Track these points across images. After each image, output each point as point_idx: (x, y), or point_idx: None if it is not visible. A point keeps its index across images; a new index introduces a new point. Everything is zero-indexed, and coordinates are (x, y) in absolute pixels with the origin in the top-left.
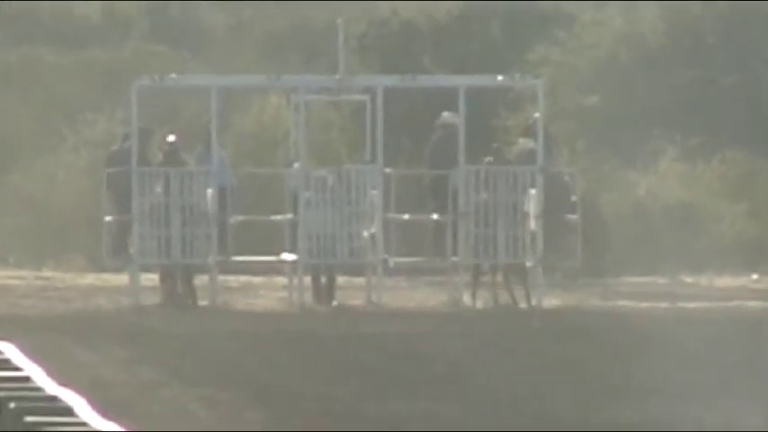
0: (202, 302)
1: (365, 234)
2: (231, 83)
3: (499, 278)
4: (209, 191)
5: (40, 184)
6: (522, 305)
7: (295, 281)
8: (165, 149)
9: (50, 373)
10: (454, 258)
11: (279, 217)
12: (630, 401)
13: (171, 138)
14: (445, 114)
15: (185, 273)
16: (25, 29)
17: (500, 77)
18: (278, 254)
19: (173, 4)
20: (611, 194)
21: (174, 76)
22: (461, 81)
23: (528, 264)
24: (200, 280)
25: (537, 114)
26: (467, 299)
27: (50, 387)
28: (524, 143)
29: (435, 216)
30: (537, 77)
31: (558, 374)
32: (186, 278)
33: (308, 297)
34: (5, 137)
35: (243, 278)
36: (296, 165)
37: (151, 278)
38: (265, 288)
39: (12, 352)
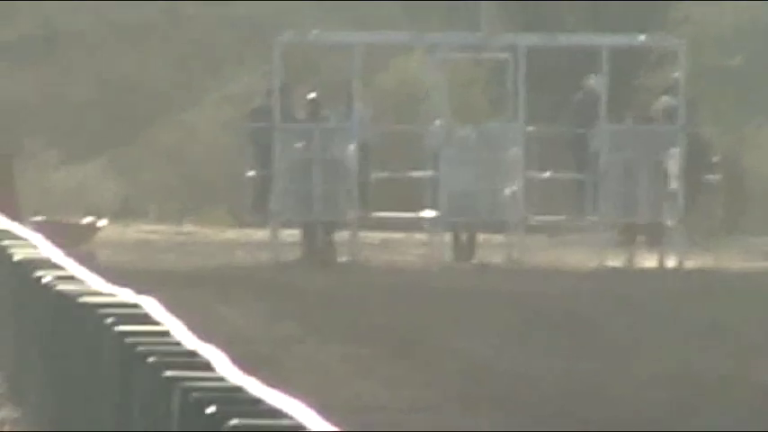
0: (343, 258)
1: (506, 191)
2: (373, 39)
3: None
4: (351, 147)
5: (181, 139)
6: (665, 264)
7: (435, 238)
8: (307, 107)
9: (190, 328)
10: (594, 217)
11: (420, 174)
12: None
13: (312, 95)
14: (591, 80)
15: (326, 229)
16: None
17: (642, 37)
18: (418, 211)
19: None
20: (754, 154)
21: (316, 31)
22: (603, 41)
23: (669, 223)
24: (341, 236)
25: (675, 74)
26: (613, 259)
27: (190, 342)
28: (666, 101)
29: (575, 175)
30: (679, 37)
31: (698, 335)
32: (327, 234)
33: (449, 254)
34: (147, 91)
35: (383, 234)
36: (437, 122)
37: (292, 233)
38: (406, 245)
39: (152, 306)
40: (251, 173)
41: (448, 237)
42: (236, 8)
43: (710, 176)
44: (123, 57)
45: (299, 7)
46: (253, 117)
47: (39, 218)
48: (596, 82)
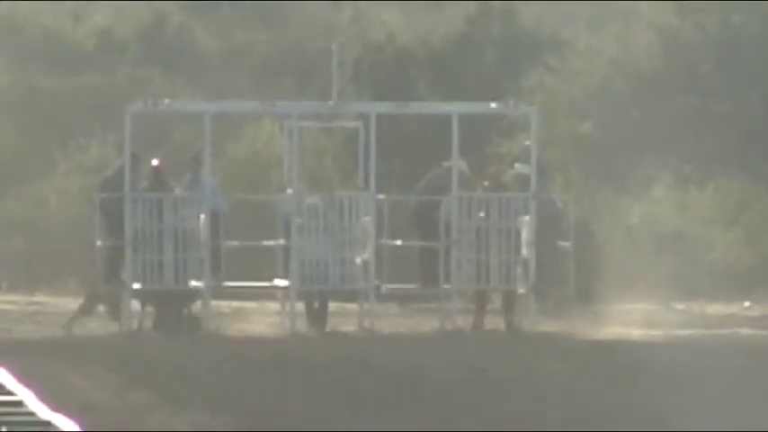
0: (195, 329)
1: (357, 260)
2: (225, 108)
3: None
4: (202, 216)
5: (32, 209)
6: (515, 331)
7: (287, 307)
8: (150, 175)
9: (43, 398)
10: (446, 285)
11: (271, 243)
12: (620, 426)
13: (155, 162)
14: (449, 162)
15: (180, 299)
16: (18, 52)
17: (494, 105)
18: (270, 279)
19: (167, 27)
20: (605, 221)
21: (167, 101)
22: (455, 108)
23: (520, 290)
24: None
25: (527, 142)
26: (463, 324)
27: (43, 411)
28: (519, 168)
29: (426, 243)
30: (531, 104)
31: (547, 400)
32: (184, 304)
33: (301, 323)
34: None
35: (235, 303)
36: (289, 191)
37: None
38: (258, 314)
39: (4, 376)
40: (101, 243)
41: (300, 305)
42: (87, 78)
43: (563, 244)
44: None
45: (150, 77)
46: (103, 187)
47: None
48: (454, 162)
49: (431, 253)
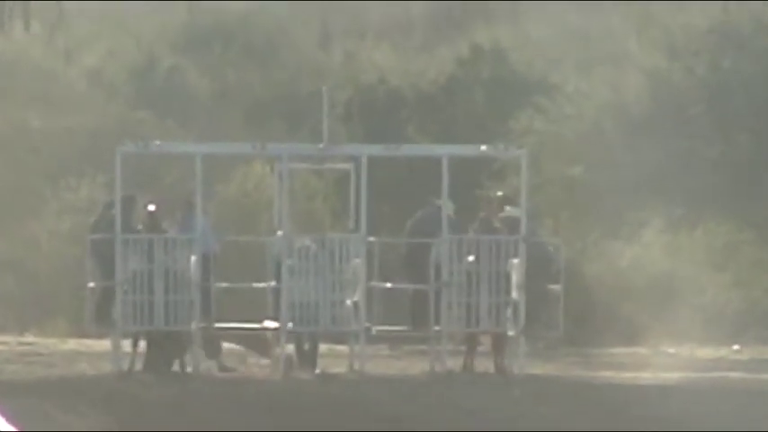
0: (187, 369)
1: (348, 302)
2: (215, 150)
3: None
4: (193, 258)
5: (22, 249)
6: (504, 373)
7: (278, 348)
8: (145, 219)
9: None
10: (436, 327)
11: (262, 284)
12: None
13: (151, 207)
14: (438, 201)
15: (173, 341)
16: (9, 92)
17: (484, 147)
18: (261, 321)
19: (158, 68)
20: (596, 264)
21: (157, 142)
22: (445, 151)
23: (510, 333)
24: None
25: (499, 193)
26: (455, 367)
27: None
28: (509, 212)
29: (416, 286)
30: (520, 147)
31: None
32: (172, 346)
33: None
34: None
35: (226, 345)
36: (279, 232)
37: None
38: (249, 355)
39: None
40: (92, 284)
41: (291, 347)
42: (78, 118)
43: (553, 287)
44: None
45: (141, 119)
46: (94, 230)
47: None
48: (445, 201)
49: (421, 295)
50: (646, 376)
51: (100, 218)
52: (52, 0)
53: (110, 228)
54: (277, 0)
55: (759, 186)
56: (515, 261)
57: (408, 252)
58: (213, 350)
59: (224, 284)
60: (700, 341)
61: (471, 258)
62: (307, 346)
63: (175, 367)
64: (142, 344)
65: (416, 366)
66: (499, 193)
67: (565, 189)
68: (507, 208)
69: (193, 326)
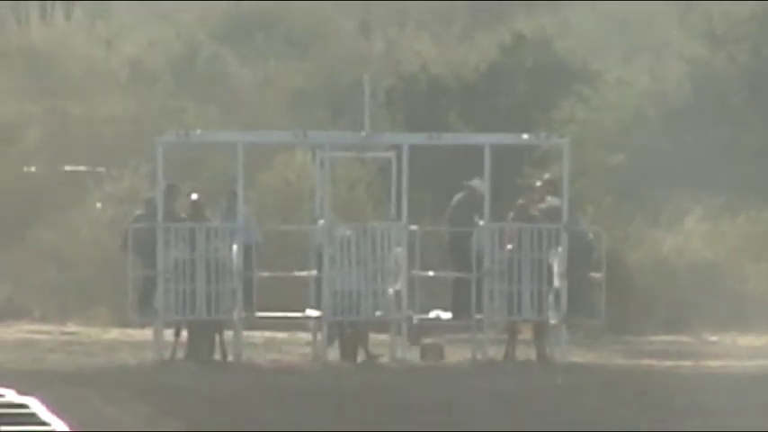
0: (227, 358)
1: (390, 291)
2: (257, 139)
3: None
4: (234, 247)
5: (65, 239)
6: (546, 362)
7: (319, 337)
8: (189, 208)
9: (76, 428)
10: (478, 316)
11: (304, 273)
12: None
13: (194, 196)
14: (475, 181)
15: (211, 329)
16: (51, 81)
17: (526, 136)
18: (303, 310)
19: (199, 57)
20: (637, 252)
21: (198, 131)
22: (487, 139)
23: (552, 321)
24: (225, 336)
25: (547, 176)
26: (497, 356)
27: None
28: (551, 201)
29: (457, 274)
30: (562, 136)
31: (578, 429)
32: (212, 334)
33: (334, 353)
34: (30, 190)
35: (267, 334)
36: (321, 221)
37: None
38: (290, 344)
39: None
40: (134, 273)
41: (334, 335)
42: (119, 107)
43: (594, 275)
44: (3, 155)
45: (182, 108)
46: (137, 217)
47: None
48: (478, 183)
49: (464, 283)
50: (687, 364)
51: (145, 212)
52: None
53: (152, 216)
54: None
55: None
56: (558, 250)
57: (451, 240)
58: (362, 338)
59: (266, 274)
60: (741, 329)
61: (510, 247)
62: (351, 334)
63: (217, 356)
64: (184, 333)
65: (458, 355)
66: (547, 176)
67: (606, 177)
68: (548, 198)
69: (235, 315)
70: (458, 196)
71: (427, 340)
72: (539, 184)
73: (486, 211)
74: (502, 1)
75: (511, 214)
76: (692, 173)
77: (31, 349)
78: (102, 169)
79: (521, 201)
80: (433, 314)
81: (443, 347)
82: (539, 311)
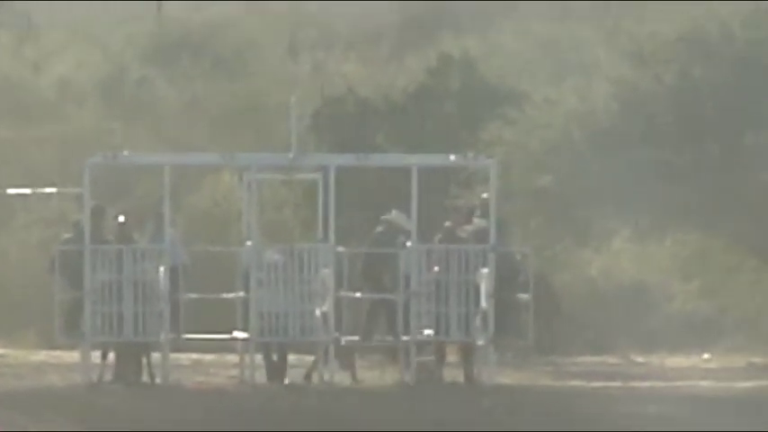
0: (154, 380)
1: (317, 312)
2: (185, 161)
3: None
4: (161, 268)
5: None
6: (474, 383)
7: (247, 359)
8: (116, 230)
9: None
10: (405, 337)
11: (231, 295)
12: None
13: (121, 218)
14: (393, 213)
15: (139, 351)
16: None
17: (453, 157)
18: (230, 332)
19: (127, 79)
20: (565, 273)
21: (126, 153)
22: (414, 160)
23: (479, 342)
24: (153, 358)
25: (484, 195)
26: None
27: None
28: (478, 222)
29: (382, 296)
30: (490, 157)
31: None
32: (139, 356)
33: (260, 375)
34: None
35: (195, 356)
36: (248, 243)
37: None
38: (217, 366)
39: None
40: (61, 295)
41: (259, 357)
42: (48, 128)
43: (521, 296)
44: None
45: (110, 129)
46: (65, 240)
47: None
48: (396, 215)
49: (378, 308)
50: (616, 385)
51: (74, 235)
52: (20, 12)
53: (79, 238)
54: (245, 13)
55: (728, 195)
56: (485, 271)
57: (363, 266)
58: (348, 362)
59: (193, 295)
60: (670, 350)
61: (437, 269)
62: (275, 357)
63: (145, 378)
64: (111, 355)
65: (387, 377)
66: (484, 196)
67: (534, 198)
68: (476, 219)
69: (162, 337)
70: (377, 229)
71: (422, 358)
72: (484, 195)
73: (414, 232)
74: (430, 21)
75: (438, 236)
76: (620, 194)
77: None
78: (27, 191)
79: (447, 223)
80: (427, 332)
81: (433, 365)
82: (466, 332)
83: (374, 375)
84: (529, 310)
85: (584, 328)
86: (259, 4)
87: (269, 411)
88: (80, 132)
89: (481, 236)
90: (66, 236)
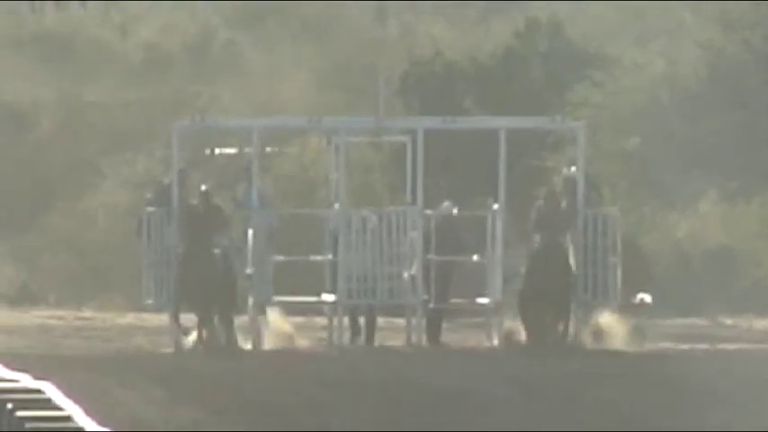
0: (242, 342)
1: (405, 275)
2: (271, 124)
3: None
4: (250, 231)
5: (79, 224)
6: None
7: (335, 321)
8: (199, 198)
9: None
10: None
11: (319, 257)
12: None
13: (203, 187)
14: (445, 204)
15: (224, 313)
16: (66, 66)
17: (541, 119)
18: (318, 294)
19: (214, 42)
20: (652, 236)
21: (213, 117)
22: (501, 123)
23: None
24: (241, 320)
25: (565, 171)
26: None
27: (91, 426)
28: (567, 173)
29: (465, 258)
30: (577, 119)
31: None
32: (227, 319)
33: (349, 337)
34: (45, 176)
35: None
36: (336, 206)
37: (192, 318)
38: (306, 328)
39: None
40: (149, 259)
41: (348, 320)
42: (135, 92)
43: (611, 258)
44: (18, 142)
45: (197, 92)
46: (149, 202)
47: None
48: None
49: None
50: (703, 347)
51: (155, 196)
52: None
53: (164, 203)
54: None
55: None
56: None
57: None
58: (434, 332)
59: (282, 258)
60: (757, 312)
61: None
62: (363, 320)
63: (233, 342)
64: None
65: (473, 339)
66: (566, 171)
67: (621, 161)
68: (565, 170)
69: (252, 300)
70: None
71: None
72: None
73: (502, 196)
74: None
75: (540, 202)
76: (707, 157)
77: (46, 335)
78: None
79: (540, 202)
80: (639, 297)
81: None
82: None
83: (457, 338)
84: (617, 272)
85: (671, 291)
86: None
87: (357, 375)
88: (167, 96)
89: (570, 187)
90: (148, 196)
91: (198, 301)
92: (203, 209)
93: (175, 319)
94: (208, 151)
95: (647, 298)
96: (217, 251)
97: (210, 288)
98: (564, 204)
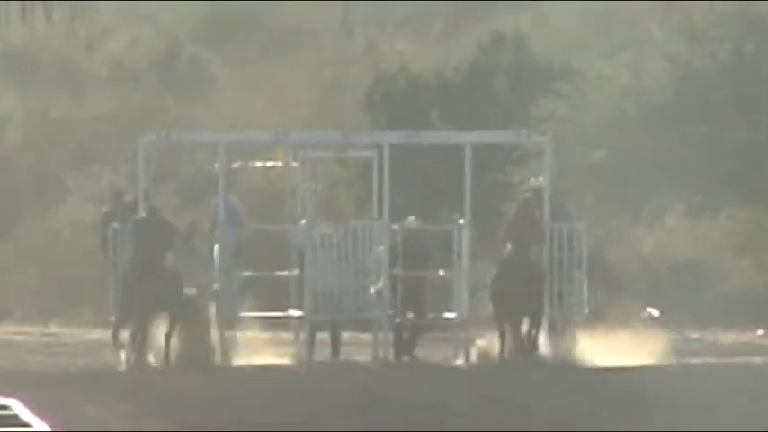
0: (211, 357)
1: (371, 290)
2: (238, 139)
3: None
4: (216, 246)
5: (45, 238)
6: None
7: (301, 337)
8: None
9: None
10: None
11: (285, 273)
12: None
13: (189, 220)
14: (410, 219)
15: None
16: (31, 80)
17: (507, 134)
18: (284, 310)
19: (180, 57)
20: (618, 249)
21: (179, 132)
22: (467, 138)
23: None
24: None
25: (540, 178)
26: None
27: None
28: (534, 183)
29: (432, 273)
30: (543, 133)
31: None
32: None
33: (315, 352)
34: (11, 190)
35: (249, 334)
36: (302, 221)
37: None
38: (271, 344)
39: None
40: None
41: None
42: (101, 106)
43: (577, 272)
44: None
45: (163, 106)
46: (105, 221)
47: None
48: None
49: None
50: (669, 361)
51: (110, 209)
52: None
53: (122, 218)
54: None
55: None
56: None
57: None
58: (408, 345)
59: (247, 273)
60: (724, 326)
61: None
62: (330, 335)
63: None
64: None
65: (440, 354)
66: (533, 181)
67: (587, 175)
68: (532, 179)
69: (218, 314)
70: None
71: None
72: (540, 178)
73: (468, 210)
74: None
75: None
76: (673, 170)
77: (12, 350)
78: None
79: (523, 195)
80: (648, 311)
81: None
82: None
83: (425, 353)
84: (583, 285)
85: (637, 305)
86: None
87: (323, 389)
88: (133, 111)
89: (540, 197)
90: (104, 209)
91: (140, 316)
92: (150, 224)
93: (116, 334)
94: (236, 164)
95: (655, 312)
96: (165, 266)
97: (152, 304)
98: (536, 213)
